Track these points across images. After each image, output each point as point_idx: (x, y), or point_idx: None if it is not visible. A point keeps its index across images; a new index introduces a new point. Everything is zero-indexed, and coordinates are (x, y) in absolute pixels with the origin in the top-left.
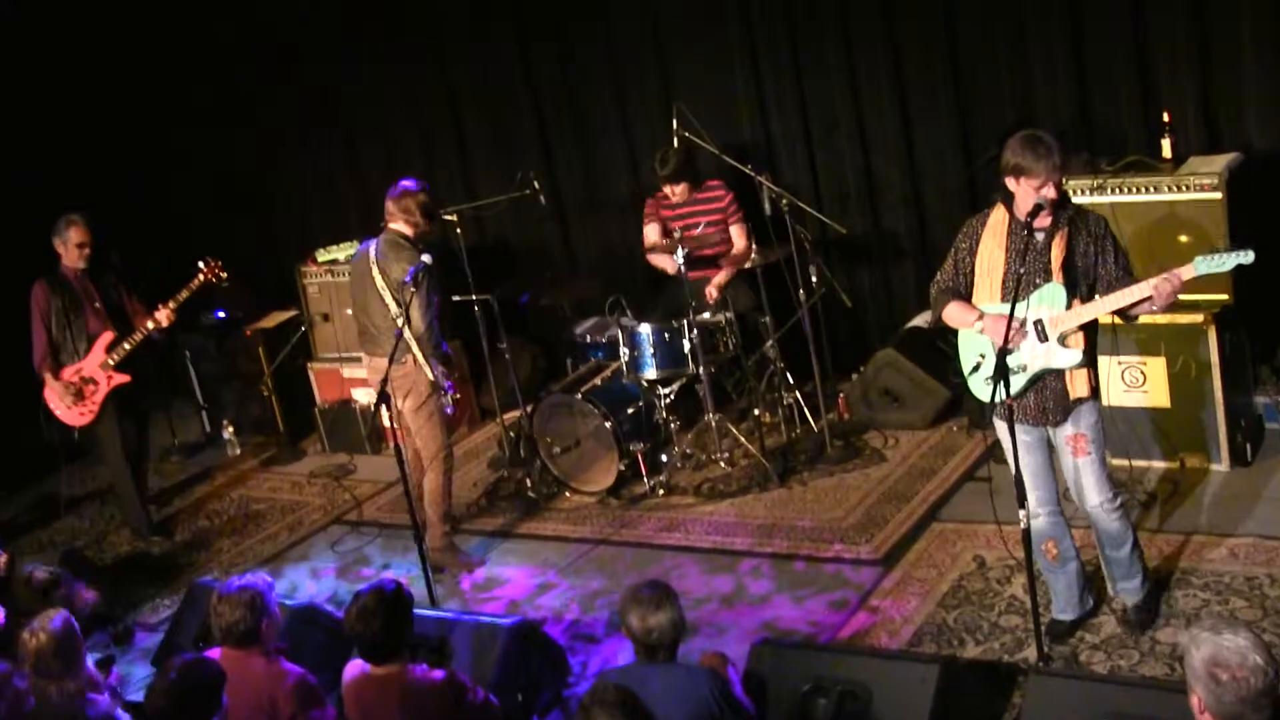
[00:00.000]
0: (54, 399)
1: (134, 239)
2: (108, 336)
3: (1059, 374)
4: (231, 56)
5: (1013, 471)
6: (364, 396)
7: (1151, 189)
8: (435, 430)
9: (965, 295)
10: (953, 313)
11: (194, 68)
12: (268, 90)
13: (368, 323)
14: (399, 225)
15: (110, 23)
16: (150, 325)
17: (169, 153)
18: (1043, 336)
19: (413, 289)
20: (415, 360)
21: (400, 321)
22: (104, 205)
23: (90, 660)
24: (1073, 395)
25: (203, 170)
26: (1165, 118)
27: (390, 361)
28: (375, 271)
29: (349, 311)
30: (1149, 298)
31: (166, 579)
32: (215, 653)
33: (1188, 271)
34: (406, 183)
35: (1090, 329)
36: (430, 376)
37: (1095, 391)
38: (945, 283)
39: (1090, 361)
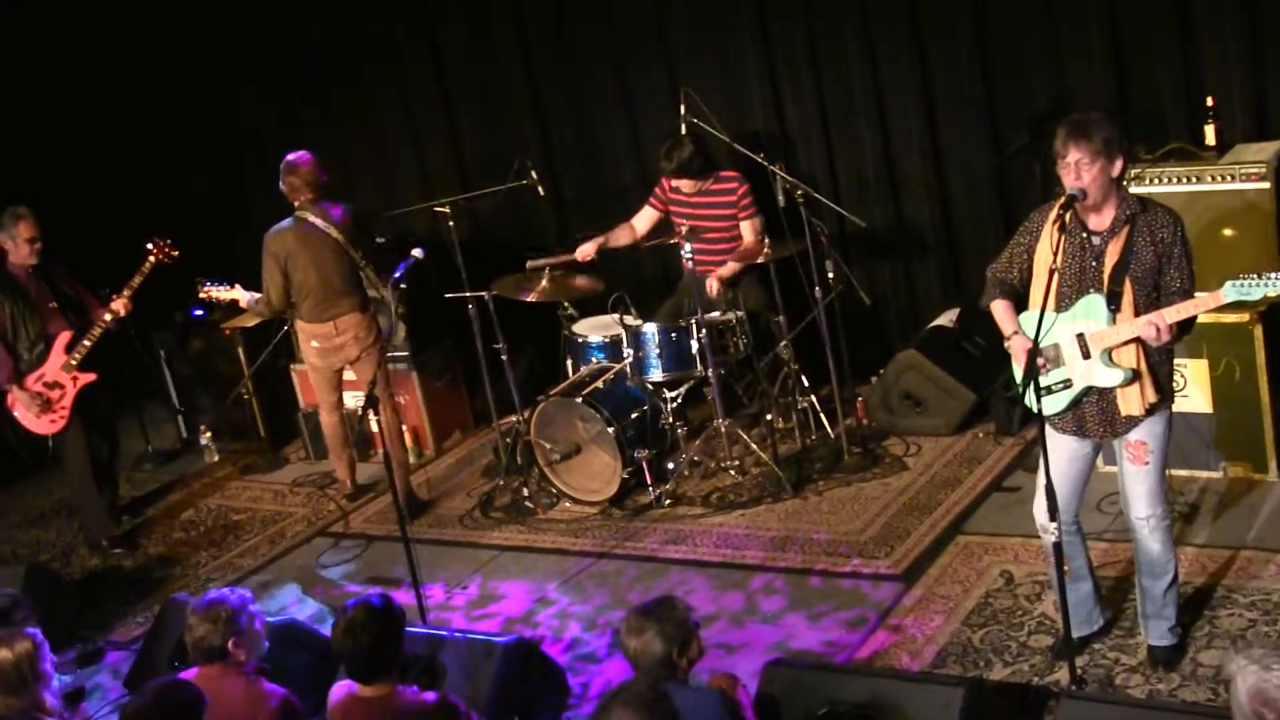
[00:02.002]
0: (20, 409)
1: (120, 233)
2: (65, 336)
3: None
4: (222, 50)
5: (1043, 482)
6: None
7: (1194, 179)
8: (387, 370)
9: (1019, 290)
10: (998, 311)
11: (187, 63)
12: (254, 79)
13: (326, 289)
14: (310, 194)
15: (109, 23)
16: (107, 317)
17: (158, 143)
18: (1085, 353)
19: (354, 234)
20: (378, 301)
21: (369, 271)
22: (101, 203)
23: (55, 688)
24: (1123, 412)
25: (187, 163)
26: (1209, 102)
27: (363, 312)
28: (336, 234)
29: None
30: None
31: (139, 595)
32: (191, 672)
33: (1214, 299)
34: (293, 157)
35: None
36: (401, 309)
37: (1154, 407)
38: (1000, 272)
39: (1151, 375)
